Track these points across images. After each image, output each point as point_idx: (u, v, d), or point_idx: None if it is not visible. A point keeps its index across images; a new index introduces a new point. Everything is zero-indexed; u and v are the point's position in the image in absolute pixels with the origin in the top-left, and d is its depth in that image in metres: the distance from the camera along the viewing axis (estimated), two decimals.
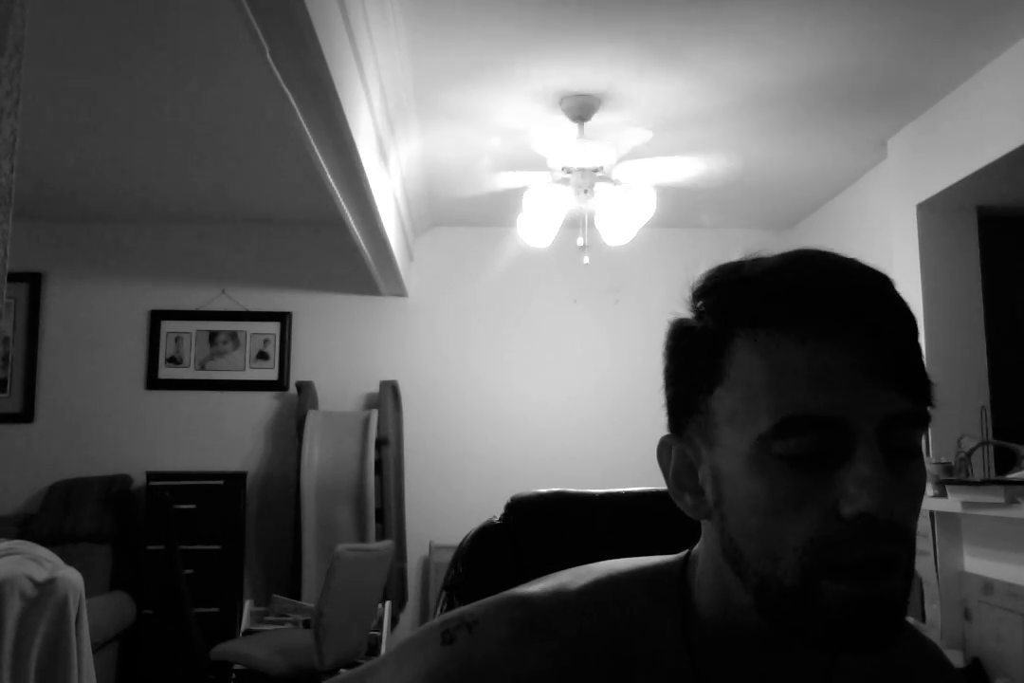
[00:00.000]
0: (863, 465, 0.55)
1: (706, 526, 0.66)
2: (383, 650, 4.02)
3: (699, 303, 0.64)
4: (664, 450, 0.67)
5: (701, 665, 0.64)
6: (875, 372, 0.57)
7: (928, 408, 0.59)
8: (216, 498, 4.36)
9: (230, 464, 4.67)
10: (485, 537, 0.90)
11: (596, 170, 3.37)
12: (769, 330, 0.58)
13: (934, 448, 3.00)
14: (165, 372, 4.79)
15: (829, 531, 0.56)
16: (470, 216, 4.74)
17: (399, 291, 4.82)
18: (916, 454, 0.59)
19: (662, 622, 0.65)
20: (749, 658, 0.64)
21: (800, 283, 0.59)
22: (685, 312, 0.65)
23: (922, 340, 0.66)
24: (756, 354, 0.59)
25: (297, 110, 2.40)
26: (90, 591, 2.53)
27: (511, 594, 0.68)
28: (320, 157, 2.79)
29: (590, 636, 0.64)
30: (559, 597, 0.66)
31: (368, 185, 3.10)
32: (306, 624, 3.93)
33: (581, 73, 3.00)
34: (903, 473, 0.58)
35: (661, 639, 0.65)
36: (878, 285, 0.61)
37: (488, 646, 0.64)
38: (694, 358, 0.63)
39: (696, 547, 0.69)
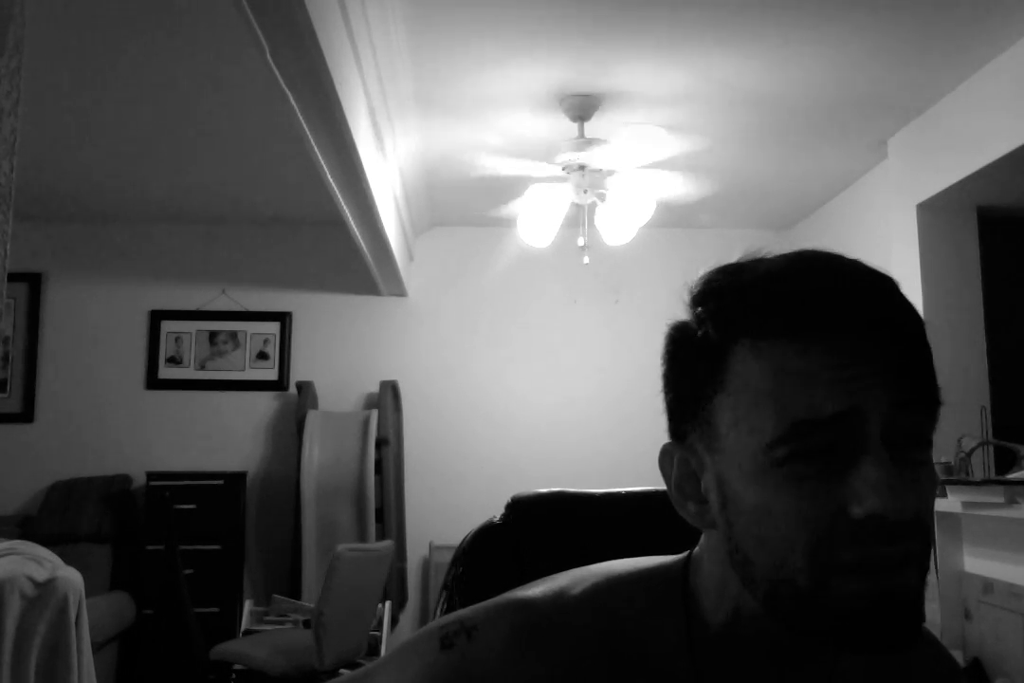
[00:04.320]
0: (871, 464, 0.55)
1: (709, 534, 0.65)
2: (383, 650, 4.02)
3: (699, 309, 0.62)
4: (666, 458, 0.66)
5: (703, 670, 0.63)
6: (879, 370, 0.56)
7: (937, 397, 0.59)
8: (216, 498, 4.36)
9: (230, 464, 4.67)
10: (485, 537, 0.90)
11: (596, 170, 3.37)
12: (772, 339, 0.58)
13: (934, 448, 2.99)
14: (165, 372, 4.79)
15: (839, 531, 0.55)
16: (470, 216, 4.74)
17: (399, 291, 4.82)
18: (927, 447, 0.59)
19: (664, 627, 0.65)
20: (752, 664, 0.63)
21: (803, 291, 0.58)
22: (684, 315, 0.64)
23: None
24: (759, 362, 0.58)
25: (297, 110, 2.41)
26: (90, 591, 2.53)
27: (511, 598, 0.67)
28: (320, 157, 2.79)
29: (591, 642, 0.63)
30: (559, 602, 0.65)
31: (368, 185, 3.10)
32: (306, 624, 3.93)
33: (581, 73, 3.00)
34: (915, 468, 0.57)
35: (663, 644, 0.64)
36: (883, 289, 0.60)
37: (487, 652, 0.63)
38: (694, 365, 0.62)
39: (696, 550, 0.68)
